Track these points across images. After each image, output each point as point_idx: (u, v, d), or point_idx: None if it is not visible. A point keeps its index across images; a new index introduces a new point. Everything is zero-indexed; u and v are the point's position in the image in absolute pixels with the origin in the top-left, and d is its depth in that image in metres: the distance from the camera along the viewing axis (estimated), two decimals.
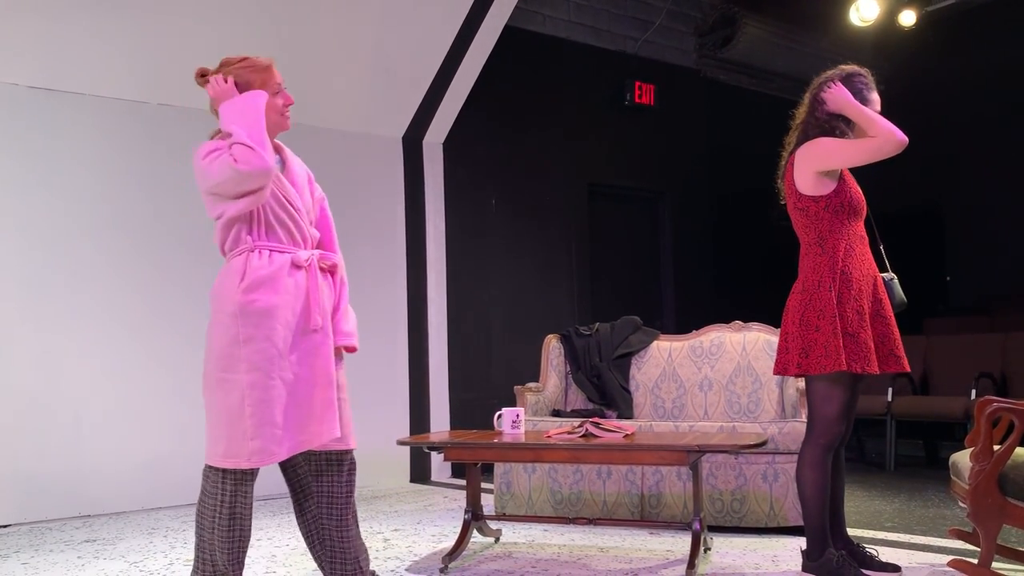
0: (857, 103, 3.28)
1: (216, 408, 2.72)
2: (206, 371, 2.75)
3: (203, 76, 2.88)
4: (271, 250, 2.79)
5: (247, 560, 3.95)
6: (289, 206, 2.84)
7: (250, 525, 2.82)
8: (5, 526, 4.91)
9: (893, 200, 8.15)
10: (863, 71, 3.40)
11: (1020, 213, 8.14)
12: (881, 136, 3.18)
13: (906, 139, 3.18)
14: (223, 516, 2.73)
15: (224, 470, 2.71)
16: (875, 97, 3.37)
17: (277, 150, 2.93)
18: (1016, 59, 8.09)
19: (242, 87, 2.83)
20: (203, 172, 2.72)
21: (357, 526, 2.99)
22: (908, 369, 3.36)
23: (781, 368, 3.38)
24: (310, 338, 2.81)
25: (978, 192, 8.47)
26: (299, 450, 2.78)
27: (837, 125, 3.33)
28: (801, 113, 3.44)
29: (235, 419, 2.67)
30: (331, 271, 2.95)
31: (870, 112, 3.26)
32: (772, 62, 8.33)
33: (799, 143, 3.37)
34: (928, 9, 8.01)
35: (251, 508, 2.81)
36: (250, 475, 2.76)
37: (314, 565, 3.83)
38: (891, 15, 7.91)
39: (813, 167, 3.28)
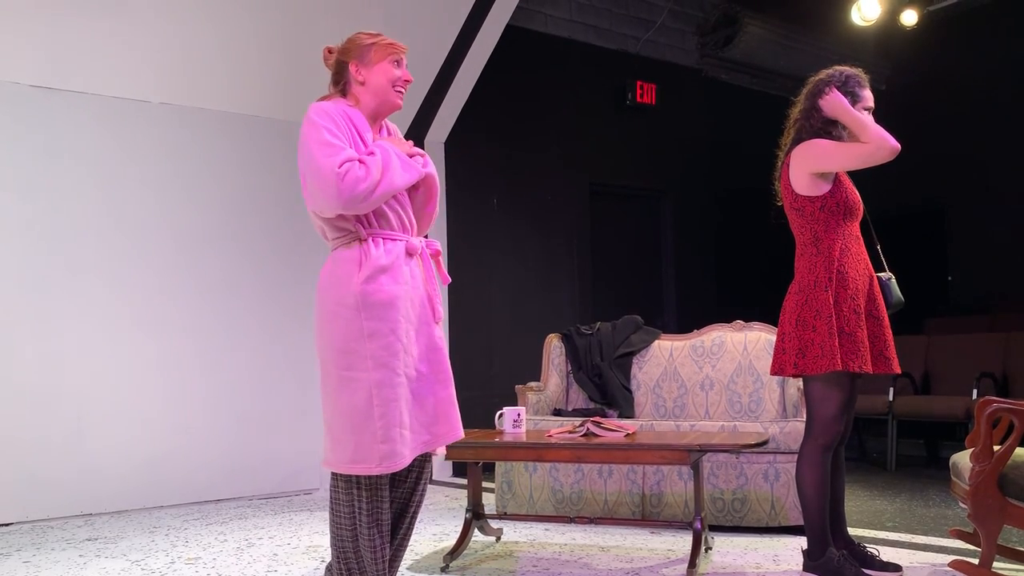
0: (852, 110, 3.28)
1: (340, 409, 2.53)
2: (325, 370, 2.58)
3: (330, 52, 2.77)
4: (384, 238, 2.62)
5: (247, 559, 3.96)
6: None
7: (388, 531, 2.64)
8: (7, 524, 4.91)
9: (894, 200, 8.16)
10: (857, 72, 3.40)
11: (1021, 213, 8.13)
12: (873, 143, 3.20)
13: (898, 146, 3.20)
14: (367, 525, 2.56)
15: (357, 477, 2.54)
16: (867, 94, 3.38)
17: (383, 127, 2.81)
18: (1017, 59, 8.08)
19: (364, 59, 2.70)
20: (308, 151, 2.54)
21: None
22: (899, 371, 3.37)
23: (778, 368, 3.38)
24: (428, 332, 2.68)
25: (980, 192, 8.46)
26: (422, 451, 2.64)
27: (832, 130, 3.34)
28: (795, 112, 3.45)
29: (363, 421, 2.50)
30: (435, 258, 2.80)
31: (864, 119, 3.26)
32: (774, 61, 8.33)
33: (794, 143, 3.38)
34: (930, 9, 7.99)
35: (388, 513, 2.63)
36: (384, 478, 2.58)
37: (315, 564, 3.84)
38: (893, 15, 7.89)
39: (808, 168, 3.30)
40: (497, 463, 4.80)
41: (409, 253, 2.67)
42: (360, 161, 2.53)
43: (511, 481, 4.83)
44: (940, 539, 4.06)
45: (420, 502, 2.80)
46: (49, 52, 5.10)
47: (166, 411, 5.44)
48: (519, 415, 4.15)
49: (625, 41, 7.95)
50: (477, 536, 4.11)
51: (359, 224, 2.61)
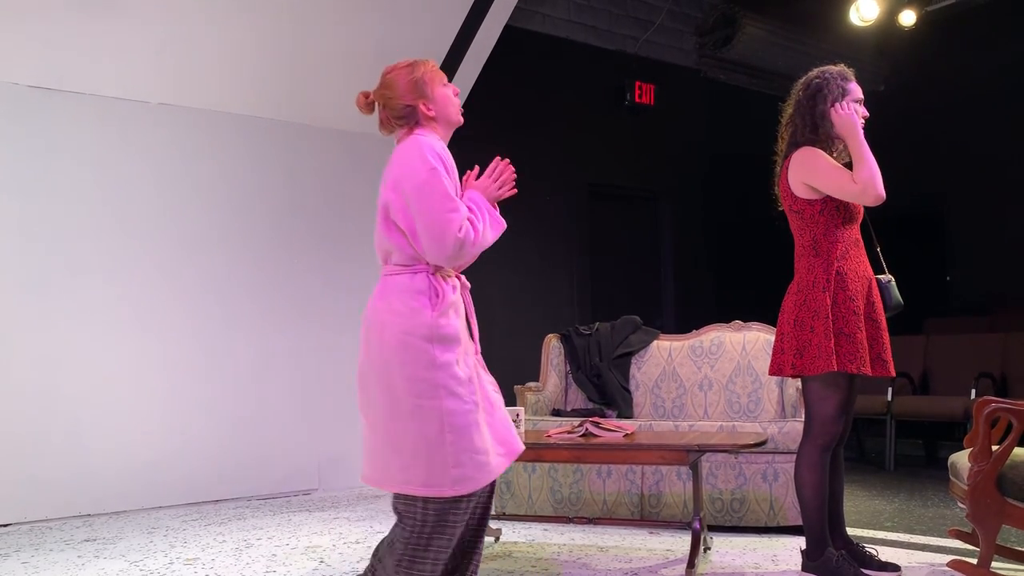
0: (860, 137, 3.26)
1: (411, 437, 2.56)
2: (391, 397, 2.59)
3: (367, 98, 2.79)
4: (446, 275, 2.69)
5: (246, 560, 3.96)
6: None
7: (445, 560, 2.63)
8: (5, 525, 4.91)
9: (892, 200, 8.16)
10: (842, 68, 3.42)
11: (1020, 213, 8.14)
12: (860, 185, 3.20)
13: (883, 196, 3.21)
14: (415, 546, 2.58)
15: (425, 498, 2.57)
16: (854, 86, 3.40)
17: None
18: (1016, 59, 8.08)
19: (427, 95, 2.73)
20: (429, 202, 2.55)
21: None
22: (893, 374, 3.38)
23: (776, 368, 3.38)
24: (475, 360, 2.77)
25: (978, 192, 8.46)
26: (499, 472, 2.68)
27: (830, 135, 3.34)
28: (788, 114, 3.45)
29: (435, 448, 2.55)
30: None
31: (866, 152, 3.24)
32: (772, 62, 8.33)
33: (791, 146, 3.39)
34: (928, 9, 7.99)
35: (453, 541, 2.63)
36: (453, 503, 2.59)
37: (314, 564, 3.84)
38: (891, 15, 7.89)
39: (802, 177, 3.31)
40: None
41: (461, 286, 2.78)
42: (470, 220, 2.60)
43: (510, 481, 4.83)
44: (939, 539, 4.06)
45: (488, 518, 2.85)
46: (47, 53, 5.10)
47: (165, 412, 5.44)
48: (518, 415, 4.14)
49: (624, 41, 7.96)
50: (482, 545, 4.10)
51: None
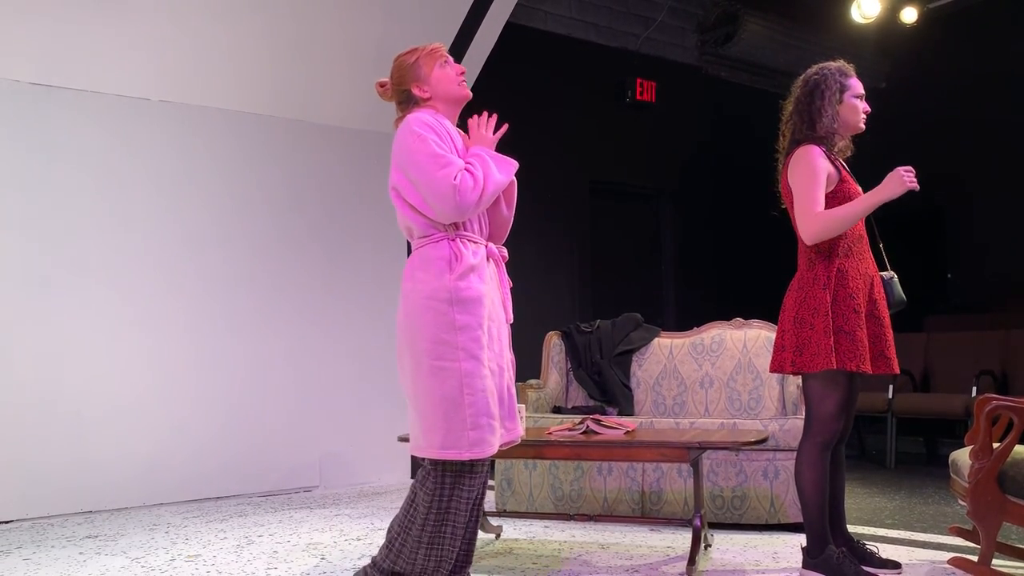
0: (876, 202, 3.19)
1: (431, 397, 2.65)
2: (416, 360, 2.69)
3: (382, 87, 2.94)
4: (469, 240, 2.79)
5: (247, 556, 3.97)
6: None
7: (464, 526, 2.73)
8: (7, 522, 4.92)
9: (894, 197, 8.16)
10: (841, 64, 3.42)
11: (1020, 210, 8.13)
12: (816, 221, 3.19)
13: (811, 242, 3.22)
14: (437, 511, 2.67)
15: (444, 463, 2.66)
16: (854, 82, 3.40)
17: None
18: (1017, 55, 8.08)
19: (420, 77, 2.86)
20: (421, 166, 2.68)
21: None
22: (897, 371, 3.37)
23: (777, 366, 3.38)
24: (502, 331, 2.84)
25: (980, 189, 8.46)
26: (502, 442, 2.75)
27: (829, 131, 3.33)
28: (788, 111, 3.44)
29: (453, 408, 2.63)
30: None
31: (858, 211, 3.20)
32: (773, 59, 8.33)
33: (792, 143, 3.38)
34: (930, 6, 7.99)
35: (470, 507, 2.73)
36: (468, 468, 2.69)
37: (315, 561, 3.85)
38: (893, 12, 7.89)
39: (790, 177, 3.32)
40: (496, 460, 4.80)
41: (489, 256, 2.86)
42: (467, 170, 2.70)
43: (511, 479, 4.83)
44: (939, 536, 4.07)
45: (483, 497, 2.89)
46: (48, 50, 5.10)
47: (166, 409, 5.44)
48: (519, 412, 4.15)
49: (625, 38, 7.95)
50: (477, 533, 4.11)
51: (449, 226, 2.77)
